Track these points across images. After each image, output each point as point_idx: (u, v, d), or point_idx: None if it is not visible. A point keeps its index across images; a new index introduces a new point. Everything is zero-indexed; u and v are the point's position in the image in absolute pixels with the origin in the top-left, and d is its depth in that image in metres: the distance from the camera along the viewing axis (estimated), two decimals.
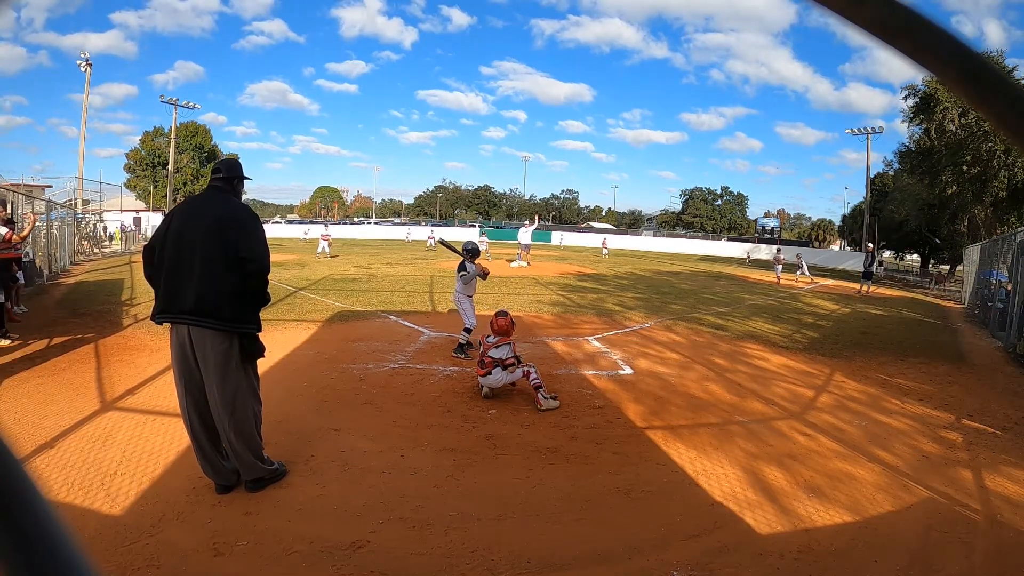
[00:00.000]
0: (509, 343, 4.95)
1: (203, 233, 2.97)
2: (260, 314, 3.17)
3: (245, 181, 3.39)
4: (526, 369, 4.84)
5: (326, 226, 25.60)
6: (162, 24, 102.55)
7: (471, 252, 6.57)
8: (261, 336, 3.18)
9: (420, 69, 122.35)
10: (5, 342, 6.26)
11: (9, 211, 9.20)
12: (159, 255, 3.05)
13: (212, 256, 2.95)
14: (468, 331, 6.41)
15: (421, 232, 41.13)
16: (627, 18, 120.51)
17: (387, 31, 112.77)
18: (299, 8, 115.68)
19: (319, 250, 20.87)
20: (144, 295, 10.19)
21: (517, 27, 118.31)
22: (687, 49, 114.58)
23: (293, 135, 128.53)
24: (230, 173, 3.27)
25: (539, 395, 4.71)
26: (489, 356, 4.86)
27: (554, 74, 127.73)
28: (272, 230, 42.18)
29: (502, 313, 5.10)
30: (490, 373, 4.84)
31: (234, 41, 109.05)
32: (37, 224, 11.71)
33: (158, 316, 3.04)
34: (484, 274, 6.57)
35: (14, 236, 7.01)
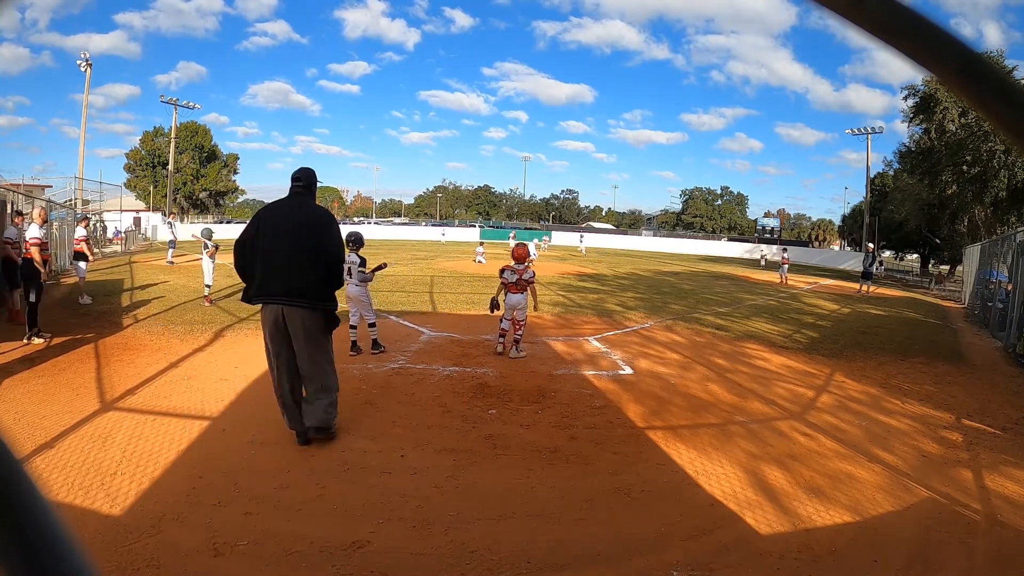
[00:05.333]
0: (526, 271, 6.39)
1: (295, 231, 3.69)
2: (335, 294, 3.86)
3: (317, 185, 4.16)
4: (520, 322, 6.32)
5: None
6: (166, 25, 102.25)
7: (355, 242, 6.15)
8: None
9: (422, 70, 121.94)
10: (39, 341, 6.34)
11: (10, 211, 9.21)
12: (252, 248, 3.72)
13: (302, 250, 3.67)
14: (373, 326, 6.34)
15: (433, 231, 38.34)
16: (629, 20, 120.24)
17: (390, 32, 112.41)
18: (303, 9, 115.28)
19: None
20: (144, 295, 10.19)
21: (519, 28, 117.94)
22: (688, 50, 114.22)
23: (295, 135, 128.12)
24: (308, 181, 3.99)
25: (516, 347, 6.36)
26: (523, 279, 6.32)
27: (555, 75, 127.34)
28: None
29: (520, 244, 6.66)
30: (519, 293, 6.32)
31: (238, 42, 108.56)
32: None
33: (254, 298, 3.74)
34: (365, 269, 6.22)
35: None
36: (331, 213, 4.03)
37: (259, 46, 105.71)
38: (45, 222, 7.46)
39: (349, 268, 5.82)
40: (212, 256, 9.48)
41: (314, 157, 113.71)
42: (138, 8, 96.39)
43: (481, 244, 23.50)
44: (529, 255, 6.55)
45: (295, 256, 3.65)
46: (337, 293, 3.94)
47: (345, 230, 4.59)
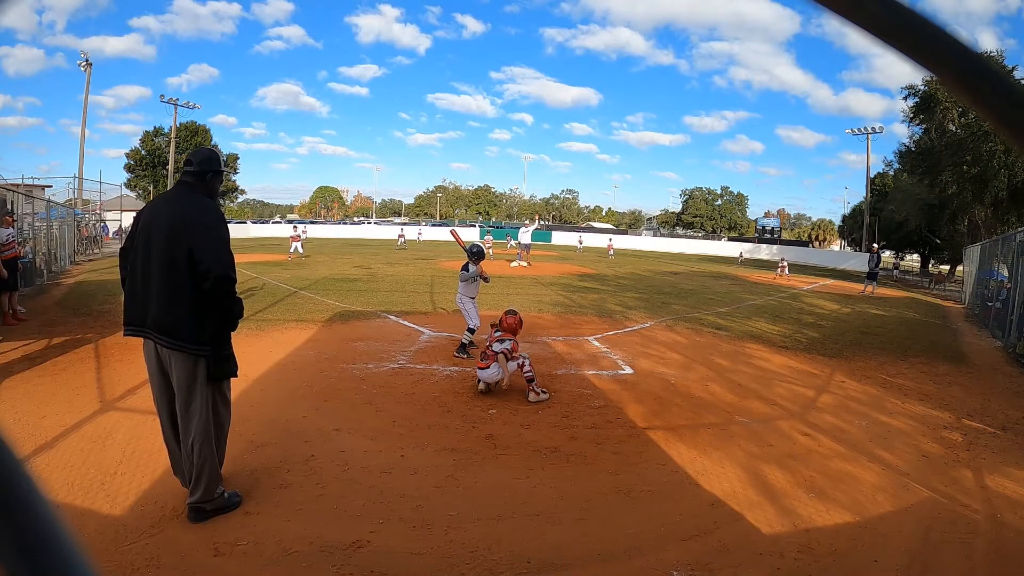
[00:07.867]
0: (512, 339, 5.03)
1: (161, 238, 2.68)
2: (234, 331, 2.86)
3: (222, 176, 3.02)
4: (520, 361, 4.93)
5: (295, 227, 23.90)
6: (182, 28, 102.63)
7: (476, 255, 6.55)
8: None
9: (431, 73, 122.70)
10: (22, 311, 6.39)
11: (10, 209, 9.21)
12: (129, 261, 2.84)
13: (168, 264, 2.67)
14: (471, 331, 6.41)
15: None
16: (635, 27, 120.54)
17: (403, 37, 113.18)
18: (318, 15, 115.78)
19: (291, 250, 19.81)
20: None
21: (528, 34, 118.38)
22: (692, 56, 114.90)
23: (302, 136, 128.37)
24: (202, 167, 2.88)
25: (531, 387, 4.90)
26: (492, 349, 4.98)
27: (562, 79, 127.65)
28: (274, 229, 42.15)
29: (512, 312, 5.22)
30: (488, 368, 4.93)
31: (252, 46, 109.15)
32: (37, 224, 11.89)
33: (126, 328, 2.83)
34: (485, 278, 6.60)
35: None
36: (218, 211, 2.85)
37: (272, 49, 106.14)
38: (10, 225, 7.72)
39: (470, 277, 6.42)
40: None
41: (320, 158, 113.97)
42: (155, 12, 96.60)
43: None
44: (520, 324, 5.20)
45: (162, 274, 2.68)
46: None
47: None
